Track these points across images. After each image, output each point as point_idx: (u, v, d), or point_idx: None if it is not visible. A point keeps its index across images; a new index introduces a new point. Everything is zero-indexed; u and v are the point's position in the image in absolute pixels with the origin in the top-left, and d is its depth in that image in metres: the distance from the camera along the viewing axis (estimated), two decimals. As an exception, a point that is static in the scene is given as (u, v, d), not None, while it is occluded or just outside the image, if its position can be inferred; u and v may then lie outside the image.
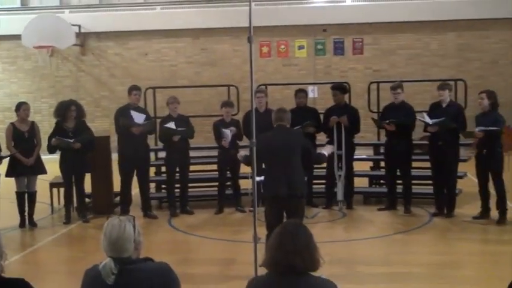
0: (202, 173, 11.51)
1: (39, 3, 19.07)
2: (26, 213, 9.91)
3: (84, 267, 3.67)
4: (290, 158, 6.83)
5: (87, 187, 10.51)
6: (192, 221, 10.24)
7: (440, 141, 9.63)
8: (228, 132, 10.16)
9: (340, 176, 10.39)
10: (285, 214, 6.70)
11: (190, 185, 10.94)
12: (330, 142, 10.35)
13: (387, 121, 9.97)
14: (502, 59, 17.65)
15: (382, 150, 11.03)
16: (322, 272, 3.54)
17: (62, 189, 10.54)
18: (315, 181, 10.76)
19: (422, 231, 9.21)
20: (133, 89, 10.49)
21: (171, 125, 10.14)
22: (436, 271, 7.31)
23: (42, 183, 10.26)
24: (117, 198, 10.63)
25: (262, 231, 6.21)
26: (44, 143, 10.06)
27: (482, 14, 17.41)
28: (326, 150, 7.61)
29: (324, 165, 10.59)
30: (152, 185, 11.18)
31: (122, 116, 10.26)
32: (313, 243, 3.52)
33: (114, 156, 10.62)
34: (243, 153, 8.54)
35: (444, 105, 9.73)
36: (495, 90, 9.75)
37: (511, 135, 12.30)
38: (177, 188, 10.67)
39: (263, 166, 7.14)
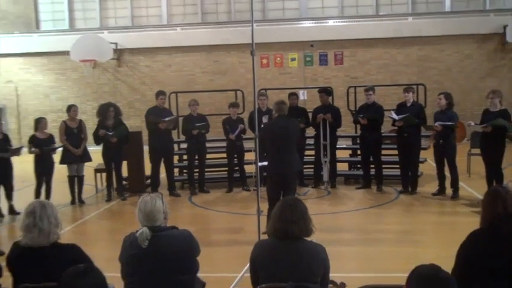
0: (216, 160, 11.50)
1: (83, 25, 19.05)
2: (76, 193, 9.95)
3: (123, 236, 3.69)
4: (288, 141, 6.87)
5: (124, 172, 10.53)
6: (208, 198, 10.24)
7: (405, 133, 9.62)
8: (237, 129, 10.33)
9: (325, 161, 10.39)
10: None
11: (206, 169, 10.92)
12: (317, 135, 10.40)
13: (361, 115, 10.00)
14: (454, 67, 17.62)
15: (358, 141, 11.01)
16: (313, 238, 3.56)
17: (104, 174, 10.54)
18: (305, 166, 10.75)
19: (391, 206, 9.20)
20: (160, 93, 10.48)
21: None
22: (402, 237, 7.36)
23: (88, 169, 10.26)
24: (148, 181, 10.63)
25: (264, 206, 6.23)
26: (89, 137, 10.05)
27: (438, 32, 17.43)
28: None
29: (313, 152, 10.65)
30: (176, 170, 11.16)
31: (152, 114, 10.26)
32: (308, 215, 3.54)
33: (145, 148, 10.62)
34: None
35: (408, 104, 9.72)
36: (447, 91, 9.78)
37: (462, 129, 12.28)
38: (196, 172, 10.66)
39: (265, 152, 7.16)
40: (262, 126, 7.08)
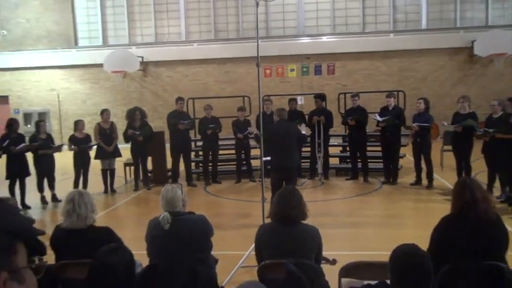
0: (226, 155, 11.50)
1: (115, 41, 19.07)
2: (108, 184, 9.98)
3: (148, 219, 3.71)
4: (289, 142, 6.91)
5: (149, 165, 10.55)
6: (220, 188, 10.25)
7: (387, 132, 9.61)
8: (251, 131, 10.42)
9: (319, 156, 10.38)
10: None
11: (218, 163, 10.93)
12: (313, 134, 10.39)
13: (350, 117, 9.98)
14: (429, 76, 17.55)
15: (347, 139, 10.98)
16: (308, 221, 3.56)
17: (132, 167, 10.56)
18: (302, 160, 10.73)
19: (375, 194, 9.20)
20: (179, 99, 10.50)
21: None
22: (384, 220, 7.36)
23: (118, 163, 10.29)
24: (169, 173, 10.63)
25: (268, 195, 6.22)
26: (120, 136, 10.09)
27: (415, 46, 17.37)
28: (304, 131, 8.01)
29: (309, 149, 10.64)
30: (193, 164, 11.16)
31: (172, 117, 10.30)
32: (303, 201, 3.55)
33: (167, 145, 10.62)
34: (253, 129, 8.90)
35: (390, 108, 9.70)
36: (425, 97, 9.76)
37: (436, 128, 12.23)
38: (210, 165, 10.68)
39: (269, 148, 7.19)
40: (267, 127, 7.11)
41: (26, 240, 0.84)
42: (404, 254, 2.35)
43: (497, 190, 8.22)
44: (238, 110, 10.82)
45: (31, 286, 0.77)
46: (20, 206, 8.36)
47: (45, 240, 3.89)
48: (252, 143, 10.71)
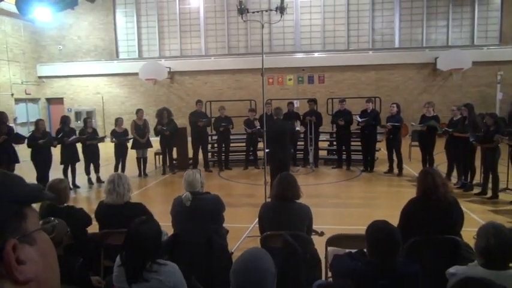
0: (236, 147, 11.48)
1: (148, 55, 19.02)
2: (141, 169, 10.00)
3: (173, 198, 3.71)
4: (283, 137, 6.81)
5: (174, 154, 10.54)
6: (231, 173, 10.24)
7: (366, 131, 9.57)
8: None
9: (311, 149, 10.34)
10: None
11: (230, 154, 10.89)
12: (306, 131, 10.34)
13: (341, 118, 9.88)
14: (401, 86, 17.40)
15: (334, 135, 10.92)
16: (302, 200, 3.55)
17: (160, 156, 10.57)
18: (297, 152, 10.72)
19: (356, 180, 9.17)
20: (199, 101, 10.47)
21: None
22: (364, 201, 7.34)
23: (150, 153, 10.30)
24: (190, 161, 10.62)
25: (269, 179, 6.23)
26: (151, 131, 10.09)
27: (390, 61, 17.26)
28: (298, 127, 8.08)
29: (303, 143, 10.61)
30: (209, 154, 11.13)
31: (193, 116, 10.27)
32: (297, 184, 3.53)
33: (188, 139, 10.59)
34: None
35: (369, 111, 9.64)
36: (397, 102, 9.70)
37: (405, 128, 12.16)
38: (223, 155, 10.65)
39: (267, 142, 7.14)
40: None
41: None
42: (376, 228, 2.35)
43: (454, 178, 8.19)
44: (249, 111, 10.80)
45: (43, 246, 0.73)
46: (71, 186, 8.41)
47: (91, 213, 3.91)
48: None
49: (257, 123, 10.48)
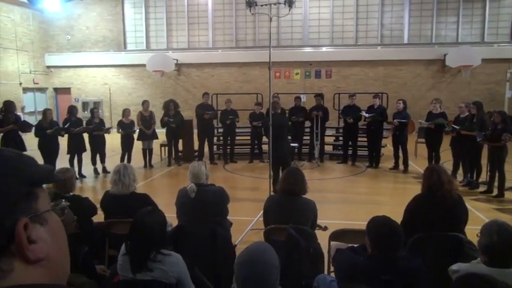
0: (242, 140, 11.50)
1: (156, 46, 19.02)
2: (147, 160, 10.04)
3: (178, 189, 3.73)
4: (282, 131, 6.76)
5: (180, 146, 10.55)
6: (235, 166, 10.26)
7: (372, 126, 9.54)
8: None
9: (317, 144, 10.32)
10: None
11: (235, 147, 10.91)
12: (312, 125, 10.31)
13: (349, 117, 9.82)
14: (408, 82, 17.28)
15: (341, 131, 10.89)
16: (307, 195, 3.55)
17: (166, 148, 10.61)
18: (303, 147, 10.70)
19: (361, 175, 9.15)
20: (205, 94, 10.46)
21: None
22: (369, 197, 7.33)
23: (155, 144, 10.33)
24: (196, 153, 10.65)
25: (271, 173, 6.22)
26: (157, 122, 10.09)
27: (398, 57, 17.12)
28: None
29: (308, 137, 10.58)
30: (215, 146, 11.15)
31: (199, 108, 10.28)
32: (304, 179, 3.54)
33: (194, 131, 10.62)
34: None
35: (375, 106, 9.59)
36: (403, 99, 9.64)
37: (412, 125, 12.09)
38: (228, 148, 10.67)
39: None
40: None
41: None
42: (378, 223, 2.36)
43: (460, 176, 8.15)
44: (255, 104, 10.77)
45: (54, 226, 0.72)
46: (77, 175, 8.47)
47: (96, 203, 3.94)
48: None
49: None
